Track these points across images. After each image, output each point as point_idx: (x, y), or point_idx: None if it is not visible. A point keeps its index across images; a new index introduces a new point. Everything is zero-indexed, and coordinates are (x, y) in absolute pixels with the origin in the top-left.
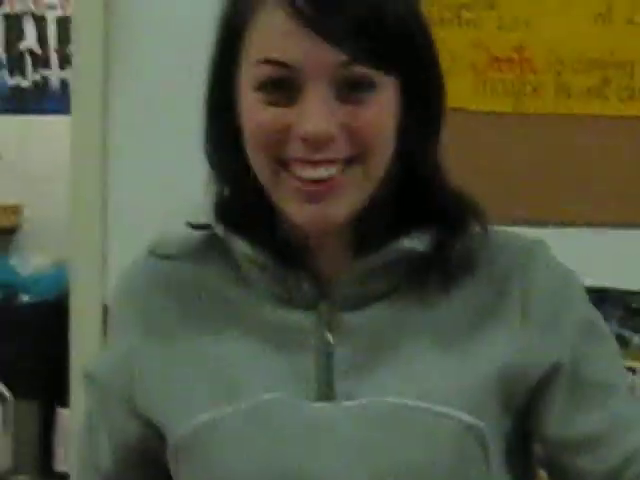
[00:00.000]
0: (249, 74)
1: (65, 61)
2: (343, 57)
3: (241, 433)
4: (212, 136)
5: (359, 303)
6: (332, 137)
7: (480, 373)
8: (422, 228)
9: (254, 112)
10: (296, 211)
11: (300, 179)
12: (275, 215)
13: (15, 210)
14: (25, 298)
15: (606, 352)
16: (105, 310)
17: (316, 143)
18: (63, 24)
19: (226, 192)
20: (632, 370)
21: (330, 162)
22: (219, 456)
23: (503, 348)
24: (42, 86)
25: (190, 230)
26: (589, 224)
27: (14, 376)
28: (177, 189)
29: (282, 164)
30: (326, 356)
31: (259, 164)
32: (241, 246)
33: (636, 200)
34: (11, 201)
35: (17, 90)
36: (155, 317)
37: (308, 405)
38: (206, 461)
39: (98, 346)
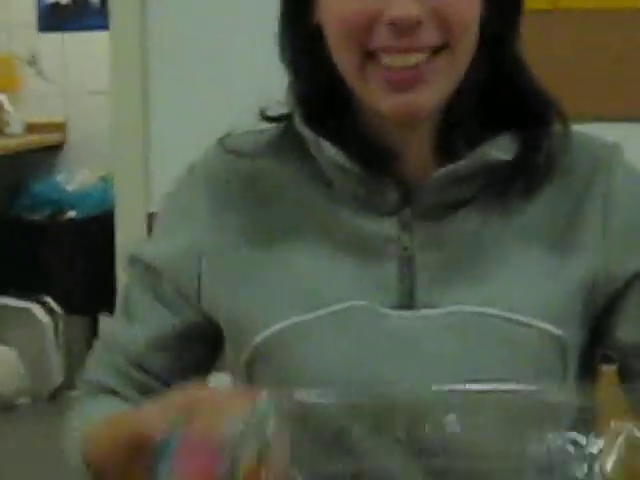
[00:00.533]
0: None
1: None
2: None
3: (323, 338)
4: (290, 37)
5: (442, 211)
6: (420, 21)
7: (565, 283)
8: (506, 133)
9: (341, 2)
10: (384, 102)
11: (388, 68)
12: (359, 117)
13: (59, 127)
14: (72, 214)
15: None
16: (150, 219)
17: (404, 28)
18: None
19: (306, 93)
20: None
21: (418, 50)
22: (300, 359)
23: (586, 257)
24: (81, 2)
25: (259, 126)
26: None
27: (63, 292)
28: (219, 103)
29: (369, 55)
30: (408, 264)
31: (345, 58)
32: (328, 149)
33: None
34: (55, 118)
35: (57, 7)
36: (232, 214)
37: (389, 313)
38: (288, 363)
39: None
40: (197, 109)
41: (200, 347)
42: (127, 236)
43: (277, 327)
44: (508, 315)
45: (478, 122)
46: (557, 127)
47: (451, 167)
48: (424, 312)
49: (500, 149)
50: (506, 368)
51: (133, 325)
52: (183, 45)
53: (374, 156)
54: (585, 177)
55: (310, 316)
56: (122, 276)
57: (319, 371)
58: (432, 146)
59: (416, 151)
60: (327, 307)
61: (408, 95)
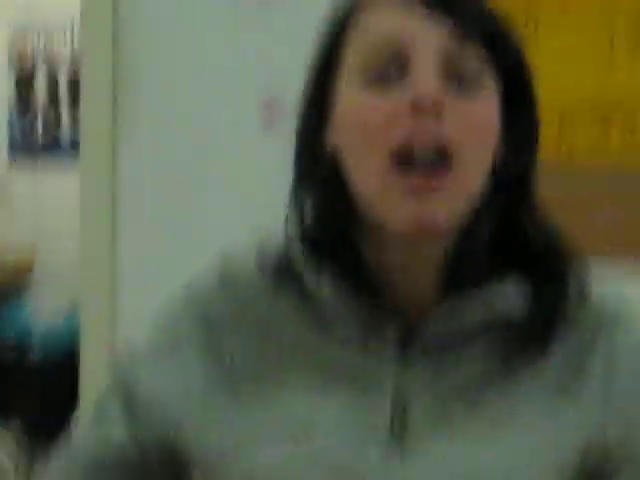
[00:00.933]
0: (354, 65)
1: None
2: (452, 41)
3: (305, 475)
4: (305, 165)
5: (444, 349)
6: (442, 103)
7: (560, 449)
8: (518, 281)
9: (360, 103)
10: (402, 211)
11: (408, 174)
12: (363, 252)
13: (30, 256)
14: (38, 355)
15: None
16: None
17: (426, 106)
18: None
19: (309, 230)
20: None
21: (443, 132)
22: None
23: (584, 422)
24: (53, 136)
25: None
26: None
27: (30, 425)
28: (183, 243)
29: (392, 159)
30: (402, 406)
31: (366, 166)
32: (328, 287)
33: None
34: (25, 247)
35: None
36: (224, 350)
37: (373, 458)
38: None
39: None
40: (166, 250)
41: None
42: (92, 382)
43: (258, 461)
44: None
45: (487, 261)
46: (572, 281)
47: (456, 313)
48: (410, 462)
49: (509, 298)
50: None
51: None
52: (154, 183)
53: (377, 293)
54: (588, 335)
55: (295, 450)
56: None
57: None
58: (437, 285)
59: (419, 282)
60: (313, 443)
61: (424, 205)
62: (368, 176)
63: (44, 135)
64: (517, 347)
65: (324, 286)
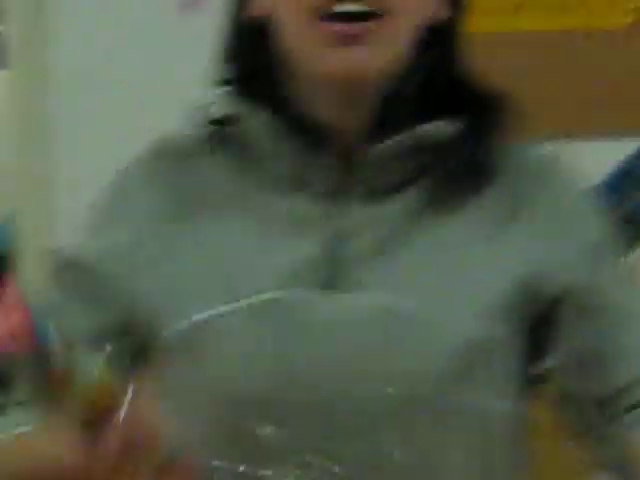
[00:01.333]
0: None
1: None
2: None
3: (235, 331)
4: (234, 24)
5: (381, 191)
6: None
7: (495, 281)
8: (447, 119)
9: None
10: (329, 58)
11: (332, 26)
12: (295, 94)
13: None
14: None
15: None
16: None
17: None
18: None
19: (243, 73)
20: None
21: (359, 14)
22: (213, 353)
23: (518, 258)
24: None
25: (186, 129)
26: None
27: None
28: (116, 132)
29: (315, 14)
30: (336, 246)
31: (292, 19)
32: (263, 120)
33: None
34: None
35: None
36: (155, 211)
37: (308, 303)
38: (200, 359)
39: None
40: (103, 133)
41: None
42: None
43: (192, 319)
44: (428, 313)
45: (419, 106)
46: (503, 119)
47: (390, 142)
48: (347, 299)
49: (440, 128)
50: (423, 369)
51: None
52: (84, 76)
53: (311, 131)
54: (530, 180)
55: (227, 308)
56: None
57: (229, 366)
58: (371, 125)
59: (354, 128)
60: (245, 296)
61: (354, 50)
62: (295, 31)
63: None
64: (451, 182)
65: (260, 127)
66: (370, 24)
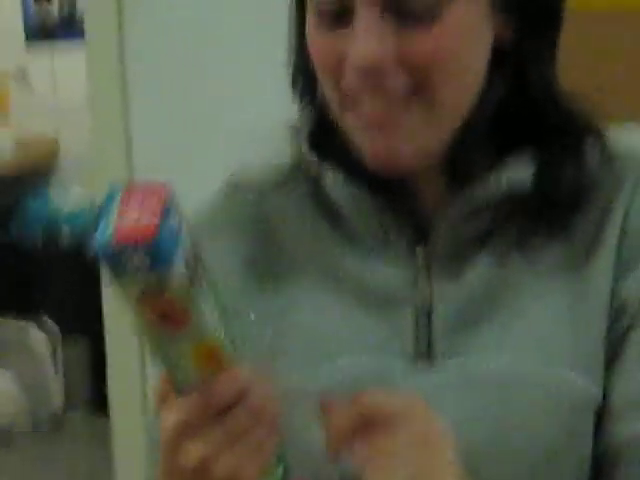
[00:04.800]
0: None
1: None
2: None
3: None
4: (294, 65)
5: (461, 250)
6: (382, 68)
7: (591, 324)
8: (527, 155)
9: (313, 38)
10: (364, 143)
11: (360, 111)
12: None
13: (51, 143)
14: (66, 234)
15: None
16: None
17: (366, 74)
18: None
19: (312, 122)
20: None
21: (385, 95)
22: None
23: (603, 290)
24: (69, 17)
25: (268, 160)
26: None
27: (60, 312)
28: (200, 113)
29: (345, 93)
30: (426, 312)
31: (327, 93)
32: (336, 177)
33: None
34: (47, 133)
35: (45, 17)
36: (238, 253)
37: (401, 371)
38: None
39: None
40: (178, 118)
41: None
42: None
43: (287, 380)
44: (535, 369)
45: (496, 147)
46: (591, 150)
47: (467, 196)
48: (439, 370)
49: (519, 170)
50: (532, 433)
51: None
52: (162, 53)
53: (385, 187)
54: (609, 195)
55: (321, 370)
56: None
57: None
58: (446, 179)
59: (428, 186)
60: (339, 361)
61: (388, 140)
62: (330, 101)
63: (60, 14)
64: (531, 229)
65: (338, 188)
66: (403, 106)
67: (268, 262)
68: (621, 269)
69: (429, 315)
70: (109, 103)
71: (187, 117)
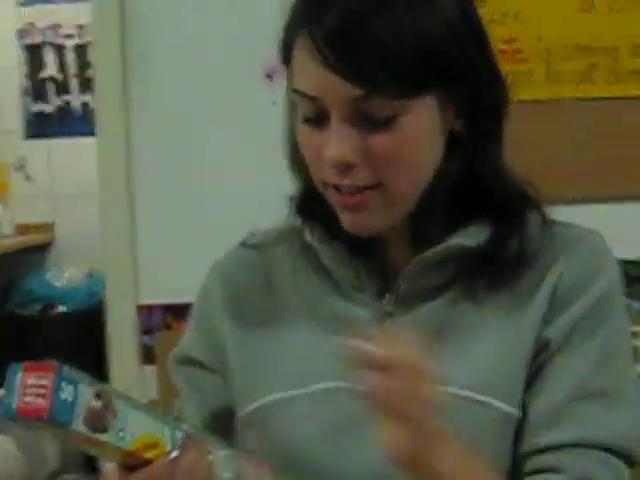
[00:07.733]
0: (295, 96)
1: (84, 86)
2: (357, 92)
3: (308, 412)
4: (288, 147)
5: (419, 298)
6: (350, 164)
7: (517, 360)
8: (480, 223)
9: (300, 135)
10: (341, 219)
11: (335, 196)
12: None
13: (48, 227)
14: (62, 309)
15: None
16: (139, 310)
17: (338, 169)
18: (81, 51)
19: (302, 191)
20: (634, 334)
21: (355, 184)
22: (288, 428)
23: (531, 333)
24: (65, 110)
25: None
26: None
27: None
28: (196, 197)
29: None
30: None
31: (313, 175)
32: (315, 235)
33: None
34: (44, 219)
35: (41, 115)
36: (240, 300)
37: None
38: (275, 431)
39: (134, 345)
40: (181, 210)
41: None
42: (118, 327)
43: (272, 397)
44: (468, 394)
45: (454, 212)
46: (533, 219)
47: (425, 255)
48: None
49: (467, 238)
50: (472, 444)
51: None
52: (167, 149)
53: (360, 246)
54: (549, 255)
55: (293, 393)
56: (115, 363)
57: (298, 445)
58: (410, 237)
59: (395, 245)
60: (309, 386)
61: (357, 216)
62: (320, 187)
63: (55, 102)
64: (477, 276)
65: (318, 242)
66: (367, 194)
67: (267, 302)
68: (550, 315)
69: None
70: (116, 190)
71: (189, 210)
